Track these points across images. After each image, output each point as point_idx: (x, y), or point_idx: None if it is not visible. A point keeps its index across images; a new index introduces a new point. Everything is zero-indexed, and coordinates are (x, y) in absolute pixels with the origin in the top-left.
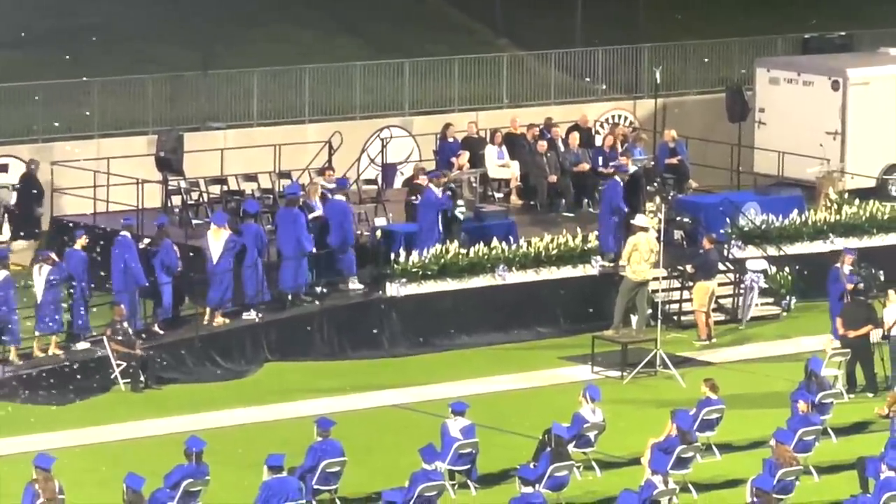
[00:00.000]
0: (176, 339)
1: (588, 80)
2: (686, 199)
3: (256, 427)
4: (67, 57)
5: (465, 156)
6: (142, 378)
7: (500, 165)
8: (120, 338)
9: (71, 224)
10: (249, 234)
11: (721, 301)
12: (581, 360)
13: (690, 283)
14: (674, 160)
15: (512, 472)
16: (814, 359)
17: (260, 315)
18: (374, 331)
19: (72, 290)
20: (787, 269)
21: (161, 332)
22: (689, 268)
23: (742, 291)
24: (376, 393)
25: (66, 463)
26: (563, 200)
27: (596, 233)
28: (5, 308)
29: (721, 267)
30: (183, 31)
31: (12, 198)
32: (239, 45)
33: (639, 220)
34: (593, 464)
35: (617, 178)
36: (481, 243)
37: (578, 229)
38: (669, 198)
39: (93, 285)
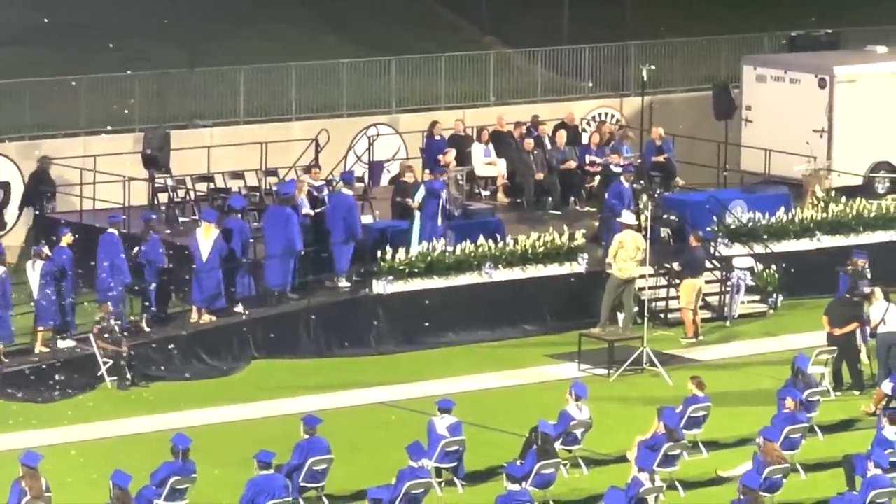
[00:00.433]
0: (163, 336)
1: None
2: (673, 197)
3: (243, 425)
4: (55, 54)
5: (451, 153)
6: (128, 376)
7: (487, 163)
8: (106, 335)
9: (63, 221)
10: (235, 230)
11: (708, 299)
12: (568, 358)
13: (677, 281)
14: (660, 158)
15: (499, 470)
16: (800, 356)
17: (246, 312)
18: (361, 328)
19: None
20: (773, 266)
21: (148, 328)
22: (675, 265)
23: (729, 289)
24: (363, 390)
25: (52, 461)
26: (550, 198)
27: (583, 231)
28: (2, 302)
29: (708, 265)
30: (170, 29)
31: None
32: (226, 42)
33: (626, 217)
34: (580, 461)
35: (622, 179)
36: (468, 241)
37: (565, 227)
38: (656, 195)
39: (80, 283)
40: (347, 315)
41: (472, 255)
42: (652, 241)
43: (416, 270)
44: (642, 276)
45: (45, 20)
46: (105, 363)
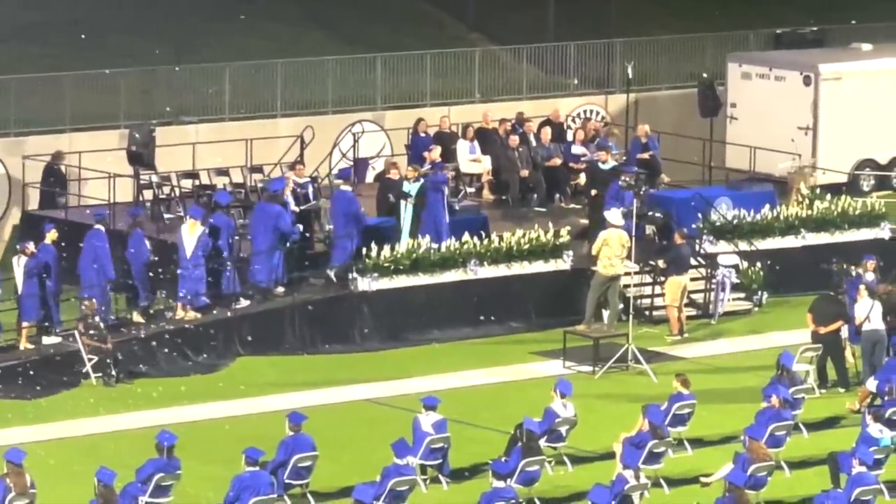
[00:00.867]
0: (147, 333)
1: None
2: (658, 194)
3: (228, 421)
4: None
5: (436, 150)
6: (113, 372)
7: (472, 160)
8: (91, 332)
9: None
10: (221, 226)
11: (693, 296)
12: (552, 355)
13: (662, 279)
14: (645, 155)
15: (484, 467)
16: (785, 354)
17: (236, 306)
18: (346, 325)
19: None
20: (758, 264)
21: (143, 320)
22: (661, 263)
23: (714, 287)
24: (348, 387)
25: (37, 457)
26: (535, 195)
27: (568, 227)
28: None
29: (693, 262)
30: (155, 26)
31: None
32: (211, 39)
33: (612, 215)
34: (564, 458)
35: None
36: (453, 238)
37: (550, 224)
38: (641, 193)
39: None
40: (332, 312)
41: (458, 252)
42: (637, 239)
43: (402, 267)
44: (627, 274)
45: (32, 17)
46: (90, 359)
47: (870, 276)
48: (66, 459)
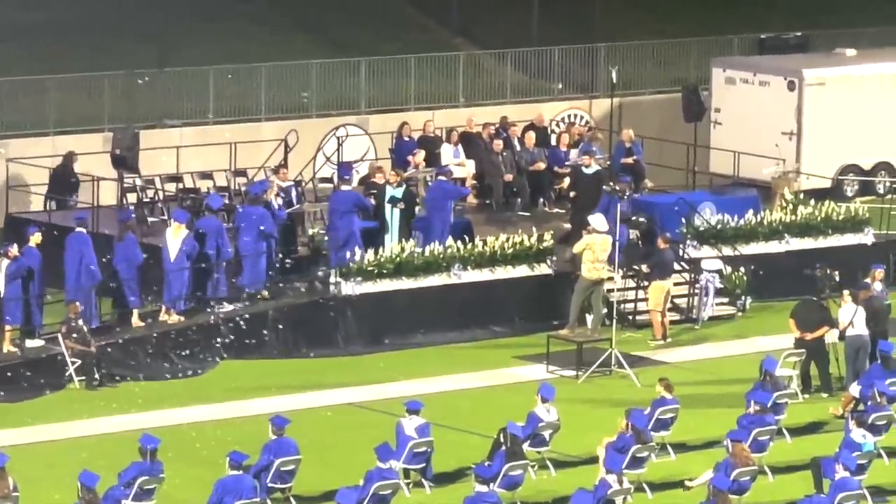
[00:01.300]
0: (131, 336)
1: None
2: (642, 199)
3: (211, 425)
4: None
5: (420, 154)
6: (96, 375)
7: (456, 164)
8: (75, 335)
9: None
10: (212, 230)
11: (676, 301)
12: (536, 360)
13: (646, 283)
14: (629, 160)
15: (467, 471)
16: (768, 359)
17: (219, 310)
18: (330, 329)
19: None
20: (742, 269)
21: (143, 323)
22: (644, 267)
23: (697, 291)
24: (331, 391)
25: (20, 460)
26: (519, 199)
27: (552, 232)
28: None
29: (676, 267)
30: (139, 28)
31: None
32: (195, 42)
33: (596, 221)
34: (548, 463)
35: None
36: (437, 242)
37: (534, 228)
38: (625, 197)
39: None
40: (316, 316)
41: (441, 256)
42: (621, 244)
43: (385, 271)
44: (611, 279)
45: (16, 20)
46: (73, 363)
47: (878, 286)
48: (49, 463)
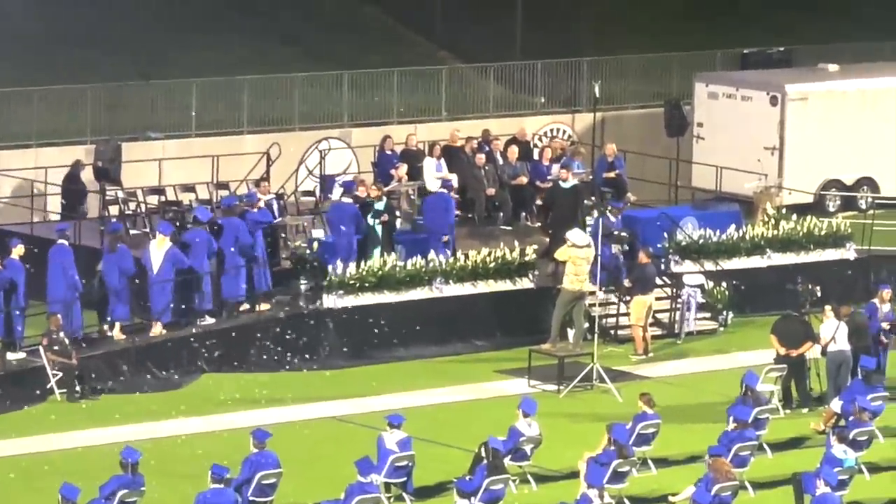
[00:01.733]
0: (113, 349)
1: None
2: (624, 214)
3: (192, 438)
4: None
5: (403, 168)
6: (77, 388)
7: (439, 178)
8: (56, 348)
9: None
10: (201, 242)
11: (658, 316)
12: (518, 374)
13: (628, 298)
14: (612, 174)
15: (448, 486)
16: (749, 374)
17: (200, 322)
18: (312, 343)
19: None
20: (724, 284)
21: (124, 336)
22: (626, 282)
23: (679, 306)
24: (313, 405)
25: (1, 472)
26: (501, 213)
27: (534, 246)
28: None
29: (658, 281)
30: (122, 41)
31: None
32: (178, 55)
33: (574, 235)
34: (529, 477)
35: (608, 213)
36: (419, 256)
37: (516, 243)
38: (607, 211)
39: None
40: (298, 329)
41: (423, 269)
42: (602, 258)
43: (367, 285)
44: (593, 293)
45: None
46: (55, 375)
47: (886, 308)
48: (30, 475)
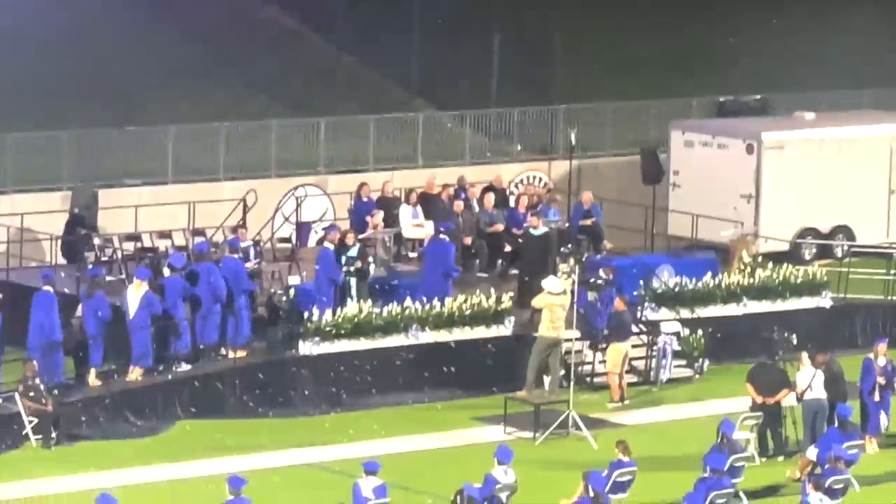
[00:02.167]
0: (88, 395)
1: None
2: (600, 261)
3: (168, 485)
4: None
5: (379, 215)
6: (53, 434)
7: (415, 225)
8: (32, 394)
9: None
10: (176, 288)
11: (634, 363)
12: (494, 421)
13: (604, 345)
14: (588, 221)
15: None
16: (726, 422)
17: (177, 369)
18: (288, 389)
19: None
20: (700, 331)
21: (100, 382)
22: (603, 330)
23: (655, 353)
24: (289, 452)
25: None
26: (478, 261)
27: (510, 294)
28: None
29: (634, 329)
30: (99, 88)
31: None
32: (155, 102)
33: (549, 283)
34: None
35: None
36: (395, 303)
37: (492, 290)
38: (583, 259)
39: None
40: (274, 376)
41: (399, 316)
42: (579, 305)
43: (343, 332)
44: (569, 340)
45: None
46: (30, 421)
47: (882, 361)
48: None
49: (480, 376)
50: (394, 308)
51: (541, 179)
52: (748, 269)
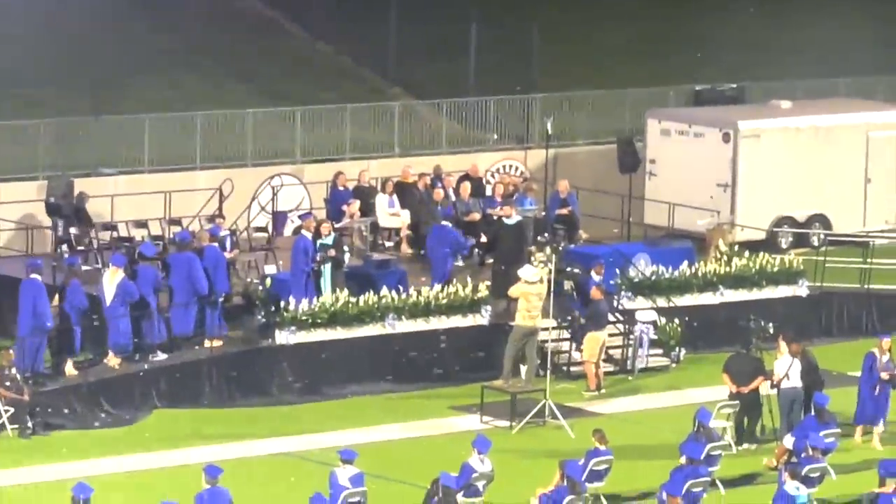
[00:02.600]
0: (64, 385)
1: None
2: (576, 250)
3: (145, 474)
4: None
5: (355, 204)
6: (30, 424)
7: (391, 214)
8: (8, 384)
9: None
10: (147, 277)
11: (610, 352)
12: (470, 410)
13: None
14: (564, 211)
15: None
16: (702, 410)
17: (153, 358)
18: (264, 379)
19: None
20: (676, 320)
21: (76, 371)
22: (581, 318)
23: (631, 343)
24: (265, 441)
25: None
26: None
27: (487, 283)
28: None
29: (611, 318)
30: (74, 77)
31: None
32: (131, 91)
33: (525, 272)
34: None
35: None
36: (371, 292)
37: (469, 279)
38: (560, 248)
39: None
40: (250, 365)
41: (376, 306)
42: (555, 294)
43: (320, 321)
44: (545, 329)
45: None
46: (6, 411)
47: (885, 358)
48: None
49: (457, 365)
50: (370, 297)
51: (517, 168)
52: (724, 257)
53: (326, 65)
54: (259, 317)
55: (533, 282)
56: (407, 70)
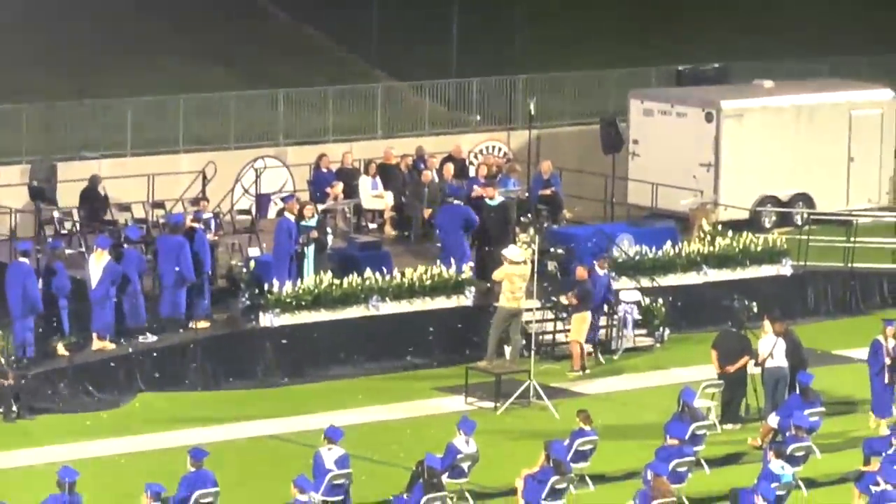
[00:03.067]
0: (49, 368)
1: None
2: (560, 231)
3: (130, 457)
4: None
5: (339, 186)
6: (14, 407)
7: (375, 196)
8: None
9: None
10: (132, 260)
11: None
12: (455, 391)
13: (565, 315)
14: (548, 191)
15: (385, 503)
16: (686, 390)
17: (138, 341)
18: (249, 361)
19: None
20: (660, 300)
21: (67, 352)
22: (572, 298)
23: (615, 323)
24: (250, 423)
25: None
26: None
27: (470, 264)
28: None
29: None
30: (57, 60)
31: None
32: (114, 74)
33: (510, 252)
34: (467, 495)
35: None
36: (355, 274)
37: (452, 260)
38: (543, 228)
39: None
40: (235, 347)
41: (360, 287)
42: (539, 275)
43: (304, 303)
44: (529, 310)
45: None
46: None
47: (891, 343)
48: None
49: (441, 347)
50: (353, 279)
51: (500, 149)
52: (708, 237)
53: (310, 47)
54: (243, 299)
55: (518, 262)
56: (390, 52)
